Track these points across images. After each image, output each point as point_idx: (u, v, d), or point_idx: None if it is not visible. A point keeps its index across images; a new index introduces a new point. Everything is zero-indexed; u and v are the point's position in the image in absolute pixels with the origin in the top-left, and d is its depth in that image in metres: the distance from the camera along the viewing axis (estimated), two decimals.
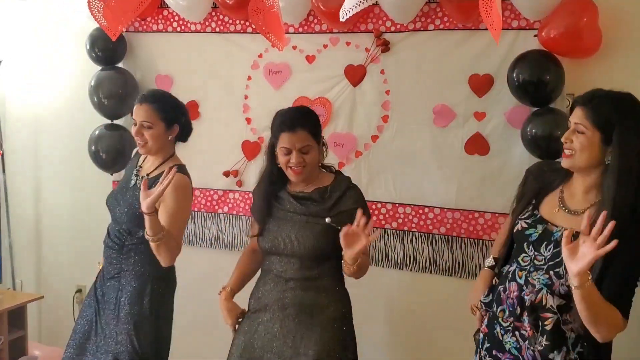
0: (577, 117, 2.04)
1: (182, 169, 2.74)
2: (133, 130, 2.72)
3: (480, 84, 3.18)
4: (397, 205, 3.40)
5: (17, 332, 3.70)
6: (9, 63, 4.10)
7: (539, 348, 2.05)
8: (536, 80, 2.91)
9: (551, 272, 2.04)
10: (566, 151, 2.08)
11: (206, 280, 3.83)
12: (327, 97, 3.49)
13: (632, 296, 1.96)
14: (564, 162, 2.09)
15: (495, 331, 2.18)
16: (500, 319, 2.15)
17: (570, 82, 3.00)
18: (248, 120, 3.68)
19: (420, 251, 3.38)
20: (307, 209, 2.47)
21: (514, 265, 2.16)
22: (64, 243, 4.23)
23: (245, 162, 3.70)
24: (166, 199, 2.55)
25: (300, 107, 2.60)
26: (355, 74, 3.42)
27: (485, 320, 2.24)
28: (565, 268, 1.91)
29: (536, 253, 2.10)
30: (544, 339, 2.04)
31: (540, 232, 2.12)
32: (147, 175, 2.73)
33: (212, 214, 3.82)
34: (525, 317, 2.07)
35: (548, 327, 2.04)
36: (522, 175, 2.39)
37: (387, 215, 3.42)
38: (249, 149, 3.69)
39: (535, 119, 2.97)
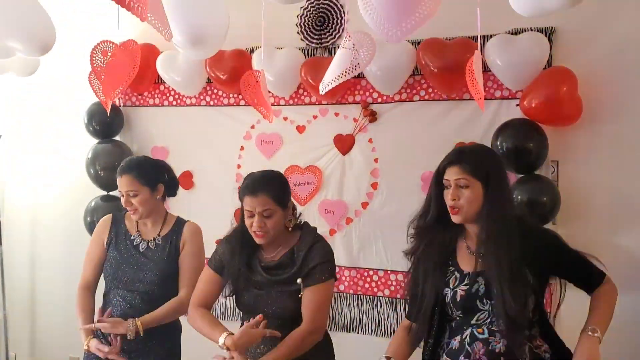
0: (455, 174, 2.16)
1: (185, 220, 2.91)
2: (122, 201, 2.79)
3: None
4: (389, 272, 3.42)
5: None
6: (8, 137, 4.20)
7: None
8: (520, 147, 2.99)
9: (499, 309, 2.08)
10: (453, 209, 2.16)
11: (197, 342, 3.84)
12: (317, 165, 3.57)
13: (589, 262, 2.19)
14: (456, 219, 2.18)
15: None
16: None
17: (553, 149, 3.07)
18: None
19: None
20: (279, 277, 2.46)
21: (467, 330, 2.16)
22: (58, 314, 4.23)
23: None
24: (188, 243, 2.80)
25: (267, 171, 2.57)
26: (344, 143, 3.51)
27: None
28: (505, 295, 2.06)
29: (492, 302, 2.12)
30: None
31: (483, 282, 2.15)
32: (156, 238, 2.82)
33: None
34: None
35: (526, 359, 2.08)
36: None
37: (379, 283, 3.44)
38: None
39: (521, 185, 3.03)
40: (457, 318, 2.20)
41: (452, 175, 2.17)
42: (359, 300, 3.48)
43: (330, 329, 3.49)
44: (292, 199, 2.59)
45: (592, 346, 2.06)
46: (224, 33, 2.74)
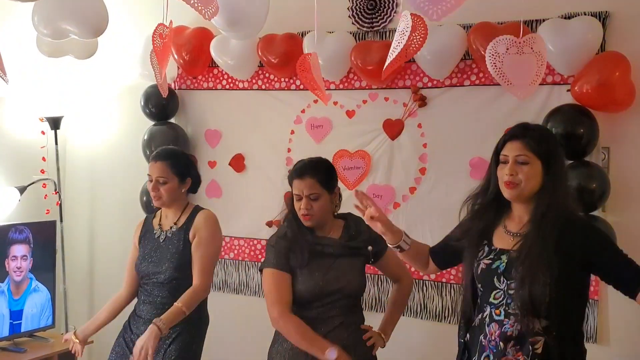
0: (516, 150, 2.14)
1: (201, 208, 3.03)
2: (149, 185, 2.93)
3: None
4: None
5: None
6: (69, 119, 4.37)
7: None
8: (570, 133, 2.96)
9: (524, 288, 2.07)
10: (510, 184, 2.14)
11: (250, 327, 3.93)
12: (366, 150, 3.60)
13: (635, 263, 2.10)
14: (509, 193, 2.16)
15: None
16: None
17: (605, 136, 3.03)
18: None
19: (458, 303, 3.39)
20: (351, 244, 2.62)
21: (487, 309, 2.17)
22: (115, 289, 4.38)
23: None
24: (200, 232, 2.89)
25: (315, 157, 2.70)
26: (393, 128, 3.53)
27: None
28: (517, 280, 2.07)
29: (508, 282, 2.13)
30: None
31: (506, 261, 2.15)
32: (173, 226, 2.95)
33: (256, 262, 3.93)
34: (510, 349, 2.09)
35: (539, 351, 2.06)
36: None
37: None
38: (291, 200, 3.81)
39: (570, 171, 2.99)
40: (480, 292, 2.23)
41: (512, 151, 2.15)
42: None
43: (376, 310, 3.56)
44: (339, 186, 2.71)
45: None
46: (264, 15, 2.81)
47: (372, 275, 3.54)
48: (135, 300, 3.06)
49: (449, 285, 3.41)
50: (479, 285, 2.23)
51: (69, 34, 3.10)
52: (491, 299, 2.17)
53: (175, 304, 2.77)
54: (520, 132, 2.18)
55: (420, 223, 3.48)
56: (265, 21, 2.87)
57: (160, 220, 3.03)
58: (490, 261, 2.19)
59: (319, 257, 2.58)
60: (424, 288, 3.47)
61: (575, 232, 2.11)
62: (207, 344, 3.33)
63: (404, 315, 3.45)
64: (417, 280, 3.46)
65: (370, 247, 2.62)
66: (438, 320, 3.43)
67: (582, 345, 2.19)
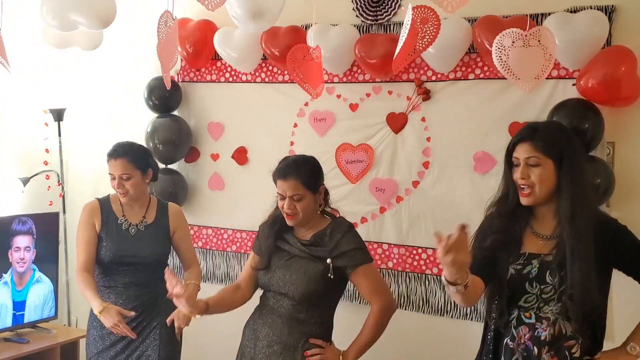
0: (526, 152, 2.09)
1: (165, 201, 3.18)
2: (113, 183, 2.99)
3: None
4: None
5: None
6: (73, 110, 4.36)
7: None
8: (575, 128, 2.91)
9: (564, 298, 2.04)
10: (525, 189, 2.10)
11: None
12: (369, 144, 3.58)
13: None
14: (525, 201, 2.12)
15: None
16: None
17: (610, 131, 3.01)
18: None
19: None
20: (310, 251, 2.54)
21: (515, 312, 2.13)
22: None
23: None
24: (180, 227, 3.12)
25: (300, 156, 2.69)
26: (396, 122, 3.51)
27: None
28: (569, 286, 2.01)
29: (542, 286, 2.09)
30: None
31: (537, 265, 2.11)
32: (141, 222, 3.05)
33: None
34: (545, 355, 2.05)
35: (576, 355, 2.03)
36: None
37: (427, 261, 3.45)
38: None
39: None
40: (507, 296, 2.16)
41: (522, 153, 2.11)
42: (407, 278, 3.50)
43: (352, 301, 3.54)
44: (324, 184, 2.66)
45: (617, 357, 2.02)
46: (281, 5, 2.82)
47: (393, 272, 3.54)
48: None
49: None
50: (506, 290, 2.16)
51: (77, 25, 3.10)
52: (521, 303, 2.13)
53: (190, 282, 2.92)
54: (528, 134, 2.12)
55: (423, 217, 3.47)
56: (281, 12, 2.87)
57: (123, 211, 3.07)
58: (520, 266, 2.14)
59: (281, 256, 2.61)
60: (426, 282, 3.46)
61: (608, 234, 2.08)
62: (202, 335, 3.35)
63: (406, 309, 3.49)
64: (419, 274, 3.46)
65: (329, 260, 2.50)
66: (440, 315, 3.42)
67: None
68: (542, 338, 2.06)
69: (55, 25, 3.15)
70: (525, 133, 2.14)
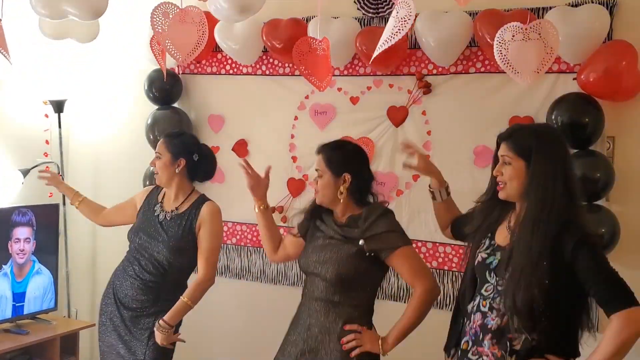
0: (502, 151, 2.19)
1: (207, 199, 3.07)
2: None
3: None
4: (437, 244, 3.44)
5: (69, 359, 3.84)
6: (73, 102, 4.36)
7: None
8: (575, 122, 2.94)
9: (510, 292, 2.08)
10: (500, 184, 2.20)
11: (252, 312, 3.95)
12: (369, 137, 3.59)
13: (624, 282, 2.04)
14: (500, 194, 2.21)
15: None
16: (469, 353, 2.19)
17: (610, 125, 3.02)
18: (294, 158, 3.81)
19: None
20: (344, 232, 2.55)
21: (478, 299, 2.21)
22: None
23: (290, 198, 3.82)
24: (205, 224, 2.92)
25: (341, 140, 2.80)
26: (397, 115, 3.52)
27: None
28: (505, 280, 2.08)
29: (498, 279, 2.16)
30: (512, 358, 2.08)
31: (499, 258, 2.18)
32: (174, 210, 3.01)
33: (258, 248, 3.93)
34: (487, 342, 2.12)
35: (517, 347, 2.08)
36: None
37: (427, 255, 3.46)
38: (294, 186, 3.81)
39: (575, 161, 2.97)
40: (476, 282, 2.26)
41: (500, 150, 2.21)
42: None
43: (378, 297, 3.52)
44: (352, 176, 2.56)
45: None
46: None
47: None
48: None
49: (450, 272, 3.41)
50: (476, 276, 2.27)
51: (68, 14, 3.08)
52: (482, 291, 2.21)
53: (181, 298, 2.90)
54: (507, 133, 2.23)
55: (423, 211, 3.47)
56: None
57: (163, 198, 3.08)
58: (486, 255, 2.23)
59: (318, 238, 2.62)
60: None
61: (565, 245, 2.05)
62: (208, 330, 3.36)
63: (405, 302, 3.49)
64: None
65: (361, 242, 2.48)
66: (439, 308, 3.42)
67: (570, 346, 2.16)
68: (489, 327, 2.14)
69: (45, 14, 3.11)
70: (505, 132, 2.24)
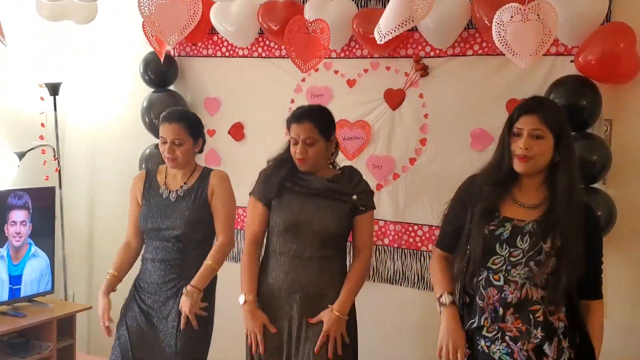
0: (532, 124, 2.14)
1: (211, 169, 3.07)
2: (163, 148, 2.93)
3: None
4: (433, 227, 3.43)
5: (66, 341, 3.85)
6: (68, 84, 4.33)
7: (535, 341, 2.10)
8: (572, 105, 2.92)
9: (531, 264, 2.13)
10: (523, 157, 2.16)
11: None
12: (366, 120, 3.57)
13: (600, 274, 2.24)
14: (522, 167, 2.18)
15: (479, 347, 2.19)
16: (484, 331, 2.18)
17: (608, 108, 3.00)
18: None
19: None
20: (338, 187, 2.63)
21: (484, 273, 2.20)
22: (114, 255, 4.39)
23: None
24: (217, 190, 2.95)
25: (315, 104, 2.83)
26: (394, 98, 3.50)
27: (465, 343, 2.25)
28: (545, 255, 2.10)
29: (511, 249, 2.16)
30: (539, 331, 2.09)
31: (510, 229, 2.18)
32: (182, 186, 2.97)
33: None
34: (510, 317, 2.13)
35: (540, 319, 2.10)
36: None
37: (423, 238, 3.46)
38: None
39: None
40: (478, 255, 2.23)
41: (527, 124, 2.16)
42: (403, 254, 3.51)
43: (374, 281, 3.57)
44: (336, 136, 2.75)
45: None
46: None
47: (389, 248, 3.55)
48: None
49: None
50: (480, 253, 2.24)
51: None
52: (489, 264, 2.19)
53: (205, 262, 2.88)
54: (537, 106, 2.19)
55: (420, 194, 3.47)
56: None
57: (165, 178, 3.03)
58: (494, 227, 2.21)
59: (301, 192, 2.65)
60: (422, 259, 3.47)
61: (589, 221, 2.17)
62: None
63: (401, 285, 3.50)
64: (414, 251, 3.47)
65: (355, 197, 2.63)
66: (430, 290, 3.43)
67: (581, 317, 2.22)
68: (509, 300, 2.14)
69: None
70: (533, 105, 2.20)
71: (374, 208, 2.75)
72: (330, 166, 2.79)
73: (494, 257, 2.19)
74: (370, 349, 3.41)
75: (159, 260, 2.94)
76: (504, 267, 2.16)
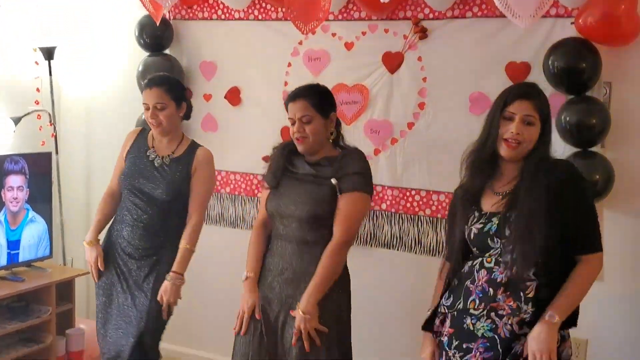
0: (526, 109, 2.14)
1: (198, 144, 3.06)
2: (146, 114, 2.93)
3: (517, 72, 3.16)
4: (430, 192, 3.42)
5: (65, 305, 3.87)
6: (63, 49, 4.28)
7: (525, 316, 2.10)
8: (572, 67, 2.89)
9: (519, 246, 2.10)
10: (512, 142, 2.15)
11: (245, 261, 3.96)
12: (364, 84, 3.54)
13: (597, 227, 2.19)
14: (509, 152, 2.17)
15: (465, 325, 2.20)
16: (471, 310, 2.19)
17: (607, 70, 2.96)
18: None
19: None
20: (317, 171, 2.60)
21: (478, 259, 2.22)
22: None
23: None
24: (199, 169, 2.96)
25: (312, 83, 2.76)
26: (392, 61, 3.46)
27: (448, 322, 2.27)
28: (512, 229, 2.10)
29: (502, 240, 2.16)
30: (529, 306, 2.09)
31: (497, 222, 2.18)
32: (170, 155, 2.99)
33: (252, 197, 3.92)
34: (501, 296, 2.13)
35: (530, 295, 2.10)
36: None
37: (420, 202, 3.45)
38: (288, 135, 3.74)
39: (570, 107, 2.95)
40: (474, 254, 2.27)
41: (521, 109, 2.14)
42: (400, 219, 3.51)
43: (371, 245, 3.58)
44: (336, 114, 2.69)
45: (547, 333, 2.05)
46: None
47: (387, 213, 3.54)
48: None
49: (443, 220, 3.38)
50: (474, 249, 2.27)
51: None
52: (485, 256, 2.21)
53: (180, 245, 2.91)
54: (531, 92, 2.19)
55: (417, 159, 3.45)
56: None
57: (153, 143, 3.05)
58: (481, 225, 2.22)
59: (290, 179, 2.64)
60: (419, 223, 3.47)
61: (557, 169, 2.16)
62: (201, 278, 3.36)
63: (398, 249, 3.51)
64: (412, 216, 3.47)
65: (334, 180, 2.54)
66: (432, 255, 3.44)
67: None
68: (498, 280, 2.14)
69: None
70: (527, 90, 2.20)
71: (362, 190, 2.56)
72: (334, 146, 2.70)
73: (491, 251, 2.20)
74: (367, 313, 3.44)
75: (139, 222, 2.96)
76: (498, 253, 2.18)
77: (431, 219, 3.43)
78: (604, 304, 3.01)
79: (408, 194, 3.48)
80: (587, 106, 2.90)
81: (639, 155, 3.01)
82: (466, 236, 2.27)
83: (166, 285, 2.88)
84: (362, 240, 3.55)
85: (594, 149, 2.95)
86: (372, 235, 3.57)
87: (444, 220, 3.39)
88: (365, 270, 3.43)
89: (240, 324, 2.63)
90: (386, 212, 3.54)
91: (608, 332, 3.07)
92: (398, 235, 3.51)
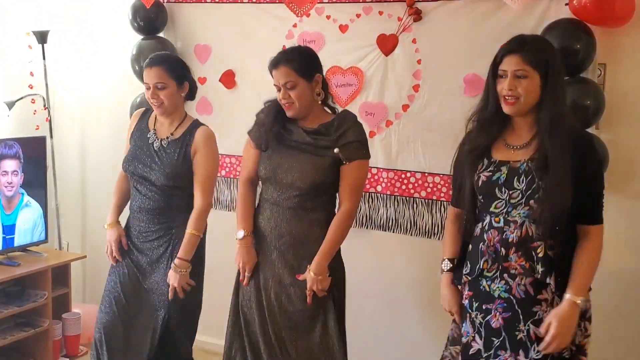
0: (515, 64, 2.14)
1: (200, 123, 2.97)
2: (147, 93, 2.88)
3: None
4: (426, 174, 3.43)
5: (61, 290, 3.88)
6: (56, 33, 4.26)
7: (537, 276, 2.13)
8: (566, 48, 2.88)
9: (531, 202, 2.14)
10: (509, 99, 2.16)
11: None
12: (359, 67, 3.53)
13: (601, 200, 2.21)
14: (509, 109, 2.18)
15: (481, 287, 2.24)
16: (485, 271, 2.22)
17: (602, 52, 2.97)
18: None
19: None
20: (316, 141, 2.58)
21: (487, 218, 2.23)
22: (107, 204, 4.39)
23: None
24: (201, 150, 2.86)
25: (294, 46, 2.73)
26: (387, 44, 3.45)
27: (467, 286, 2.30)
28: (543, 190, 2.10)
29: (510, 192, 2.18)
30: (540, 266, 2.13)
31: (506, 172, 2.20)
32: (168, 137, 2.92)
33: None
34: (513, 255, 2.16)
35: (541, 254, 2.13)
36: None
37: (416, 185, 3.46)
38: None
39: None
40: (479, 203, 2.28)
41: (510, 65, 2.15)
42: (396, 201, 3.52)
43: (367, 227, 3.59)
44: (322, 74, 2.66)
45: (570, 315, 2.10)
46: None
47: (382, 195, 3.55)
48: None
49: (439, 202, 3.41)
50: (480, 197, 2.27)
51: None
52: (492, 209, 2.22)
53: (187, 231, 2.85)
54: (518, 46, 2.17)
55: (412, 141, 3.45)
56: None
57: (155, 125, 3.00)
58: (490, 173, 2.23)
59: (288, 147, 2.62)
60: (414, 205, 3.48)
61: (581, 149, 2.14)
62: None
63: (394, 232, 3.52)
64: (407, 198, 3.48)
65: (336, 150, 2.54)
66: (427, 237, 3.46)
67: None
68: (510, 240, 2.17)
69: None
70: (514, 45, 2.18)
71: (364, 158, 2.62)
72: (326, 109, 2.71)
73: (496, 202, 2.21)
74: (362, 295, 3.46)
75: (143, 210, 2.93)
76: (505, 210, 2.18)
77: (426, 201, 3.44)
78: (600, 284, 3.01)
79: (403, 176, 3.48)
80: (581, 87, 2.91)
81: (633, 136, 3.02)
82: (474, 183, 2.27)
83: (171, 273, 2.84)
84: (358, 222, 3.55)
85: (588, 130, 2.95)
86: (368, 217, 3.58)
87: (439, 202, 3.41)
88: (361, 252, 3.45)
89: (244, 274, 2.68)
90: (382, 195, 3.55)
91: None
92: (394, 217, 3.53)
